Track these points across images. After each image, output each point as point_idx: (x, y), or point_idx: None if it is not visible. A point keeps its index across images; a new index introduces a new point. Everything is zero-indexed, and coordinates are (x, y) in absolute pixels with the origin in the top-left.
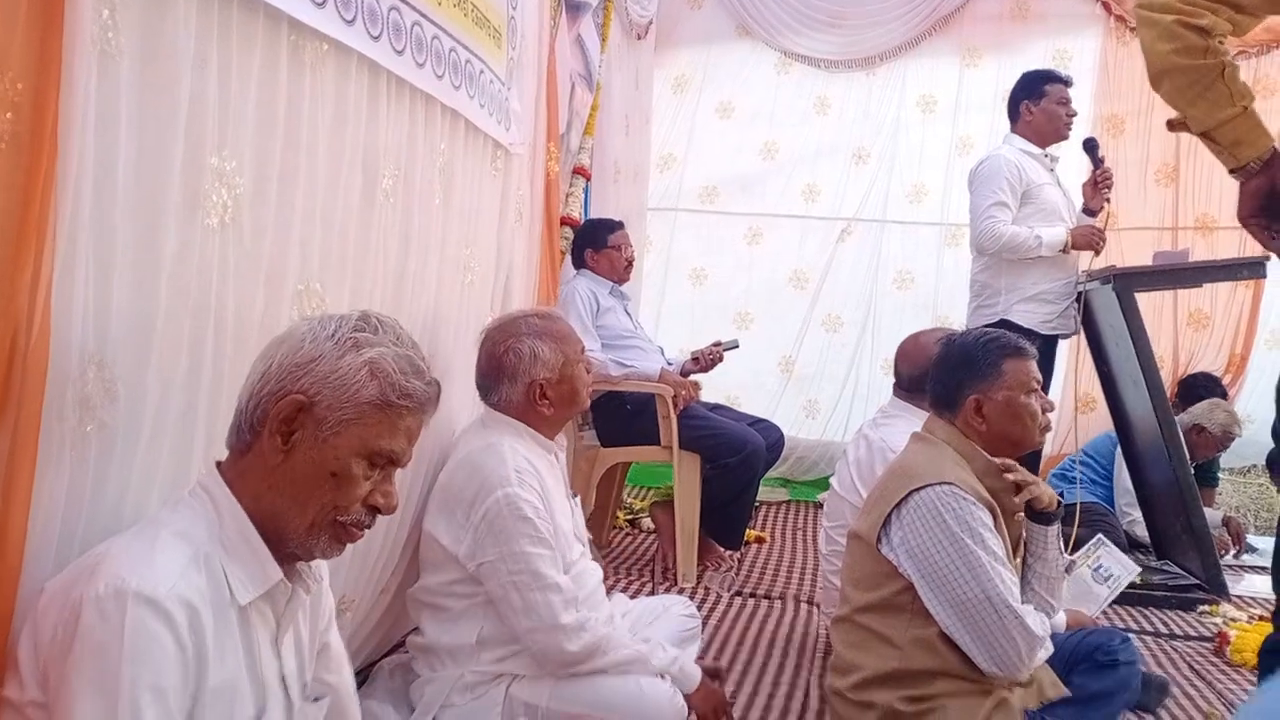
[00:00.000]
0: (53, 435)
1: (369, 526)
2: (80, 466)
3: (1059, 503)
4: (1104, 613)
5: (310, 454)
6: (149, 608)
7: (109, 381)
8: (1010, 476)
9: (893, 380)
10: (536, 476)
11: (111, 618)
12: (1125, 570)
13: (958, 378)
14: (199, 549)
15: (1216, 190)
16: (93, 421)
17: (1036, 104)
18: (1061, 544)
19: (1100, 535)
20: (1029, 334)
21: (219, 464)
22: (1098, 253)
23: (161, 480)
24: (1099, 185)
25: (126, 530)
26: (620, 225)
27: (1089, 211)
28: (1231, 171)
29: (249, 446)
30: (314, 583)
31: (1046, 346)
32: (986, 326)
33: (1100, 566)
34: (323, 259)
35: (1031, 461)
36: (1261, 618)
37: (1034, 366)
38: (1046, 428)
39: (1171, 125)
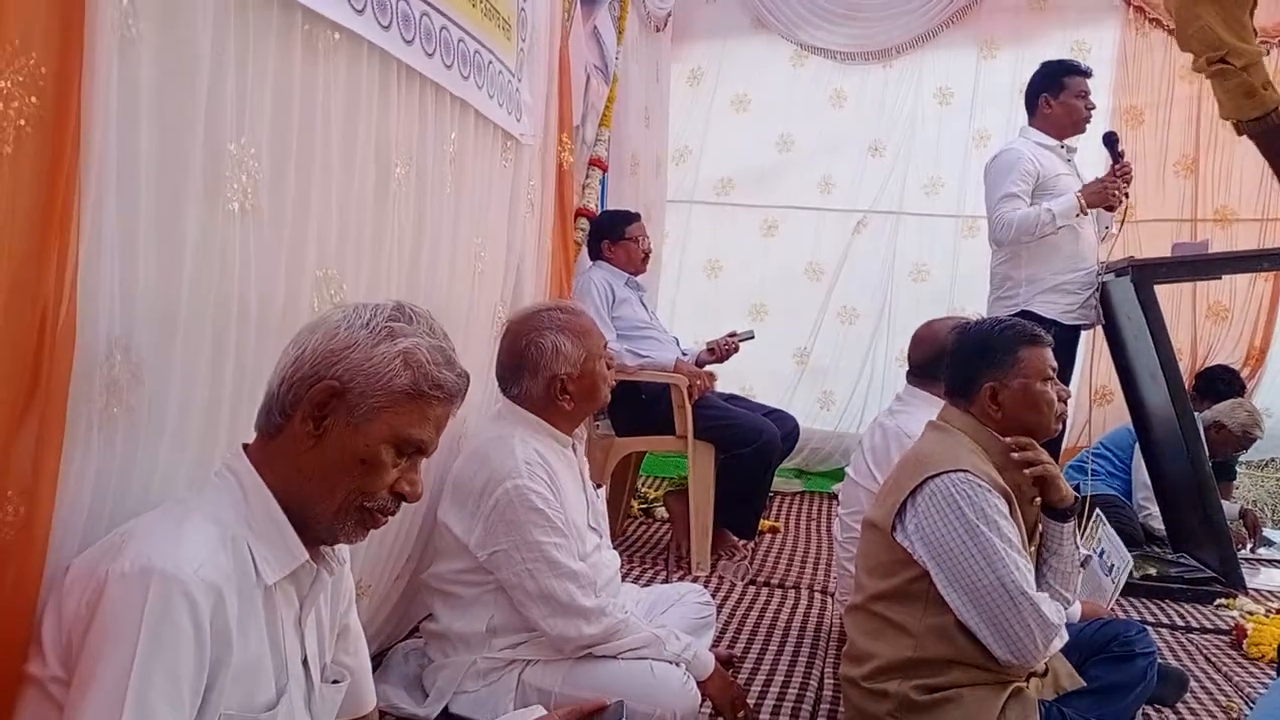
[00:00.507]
0: (80, 417)
1: (394, 513)
2: (107, 448)
3: (1076, 499)
4: (1120, 605)
5: (341, 440)
6: (172, 587)
7: (135, 365)
8: (1016, 456)
9: (906, 369)
10: (546, 468)
11: (134, 594)
12: (1121, 559)
13: (974, 366)
14: (226, 530)
15: (1236, 182)
16: (119, 404)
17: (1055, 98)
18: (1078, 539)
19: (1099, 512)
20: (1051, 324)
21: (245, 446)
22: (1114, 206)
23: (188, 461)
24: (1119, 178)
25: (154, 509)
26: (638, 217)
27: (1107, 207)
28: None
29: (279, 430)
30: (337, 565)
31: (1069, 336)
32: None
33: (1104, 552)
34: (340, 246)
35: (1050, 453)
36: (1279, 611)
37: (1049, 354)
38: (1062, 416)
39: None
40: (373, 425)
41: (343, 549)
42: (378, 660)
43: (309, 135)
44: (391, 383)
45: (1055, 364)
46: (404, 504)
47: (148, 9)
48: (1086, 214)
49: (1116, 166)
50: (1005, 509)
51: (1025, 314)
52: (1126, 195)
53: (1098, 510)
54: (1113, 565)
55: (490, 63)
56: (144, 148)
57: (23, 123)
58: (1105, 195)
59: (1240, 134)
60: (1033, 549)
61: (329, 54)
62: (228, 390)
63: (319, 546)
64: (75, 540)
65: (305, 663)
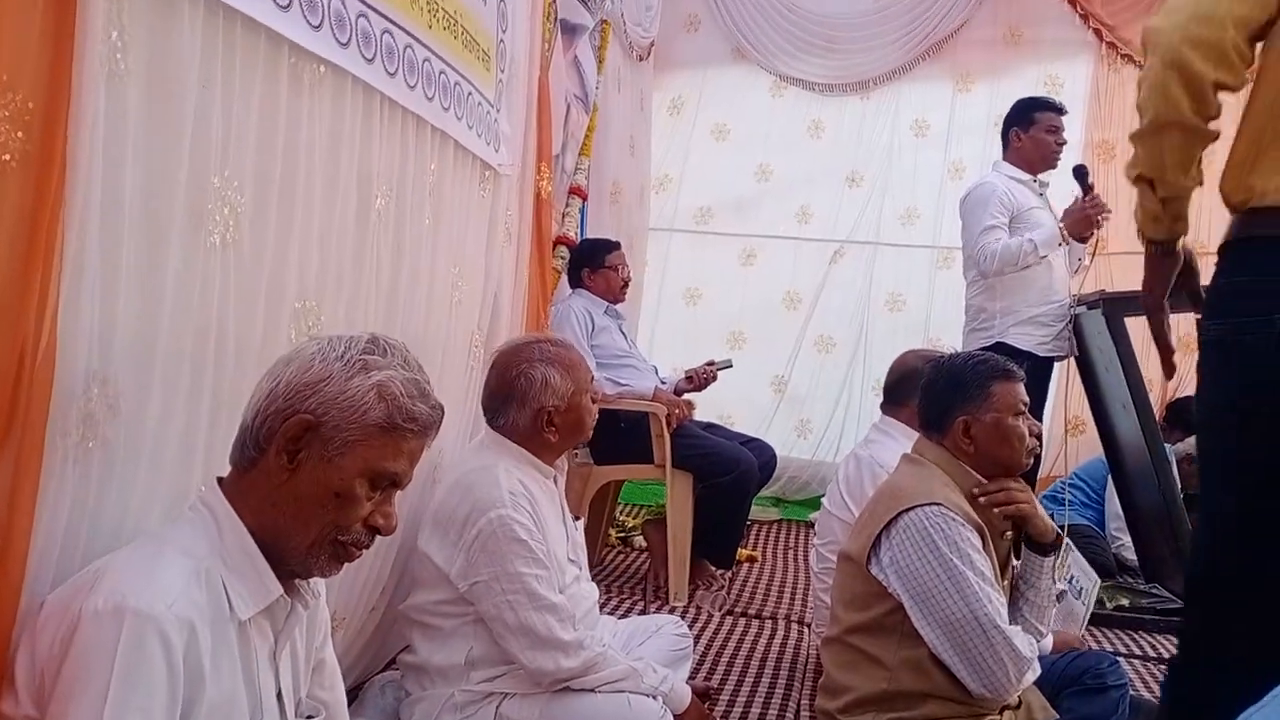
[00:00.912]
0: (56, 451)
1: (368, 546)
2: (83, 482)
3: (1057, 534)
4: (1092, 635)
5: (315, 473)
6: (145, 625)
7: (112, 398)
8: (983, 500)
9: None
10: (530, 499)
11: (107, 632)
12: (1088, 579)
13: (946, 399)
14: (200, 564)
15: (1206, 218)
16: (95, 438)
17: (1026, 131)
18: (1055, 574)
19: (1066, 540)
20: (1026, 356)
21: (220, 480)
22: (1098, 226)
23: (163, 495)
24: (1090, 213)
25: (128, 545)
26: (618, 246)
27: (1080, 239)
28: (1153, 242)
29: (253, 464)
30: (311, 598)
31: (1043, 368)
32: (982, 349)
33: (1073, 578)
34: (319, 277)
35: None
36: None
37: (1022, 389)
38: (1033, 451)
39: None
40: (346, 459)
41: (317, 582)
42: (354, 693)
43: (292, 168)
44: (365, 416)
45: (1027, 399)
46: (378, 536)
47: (136, 44)
48: (1068, 243)
49: (1086, 199)
50: (978, 542)
51: (1000, 345)
52: (1099, 226)
53: (1066, 541)
54: (1082, 588)
55: (470, 94)
56: (129, 181)
57: (7, 157)
58: (1086, 222)
59: (1139, 239)
60: (1005, 582)
61: (314, 87)
62: (204, 423)
63: (293, 580)
64: (49, 576)
65: (280, 697)
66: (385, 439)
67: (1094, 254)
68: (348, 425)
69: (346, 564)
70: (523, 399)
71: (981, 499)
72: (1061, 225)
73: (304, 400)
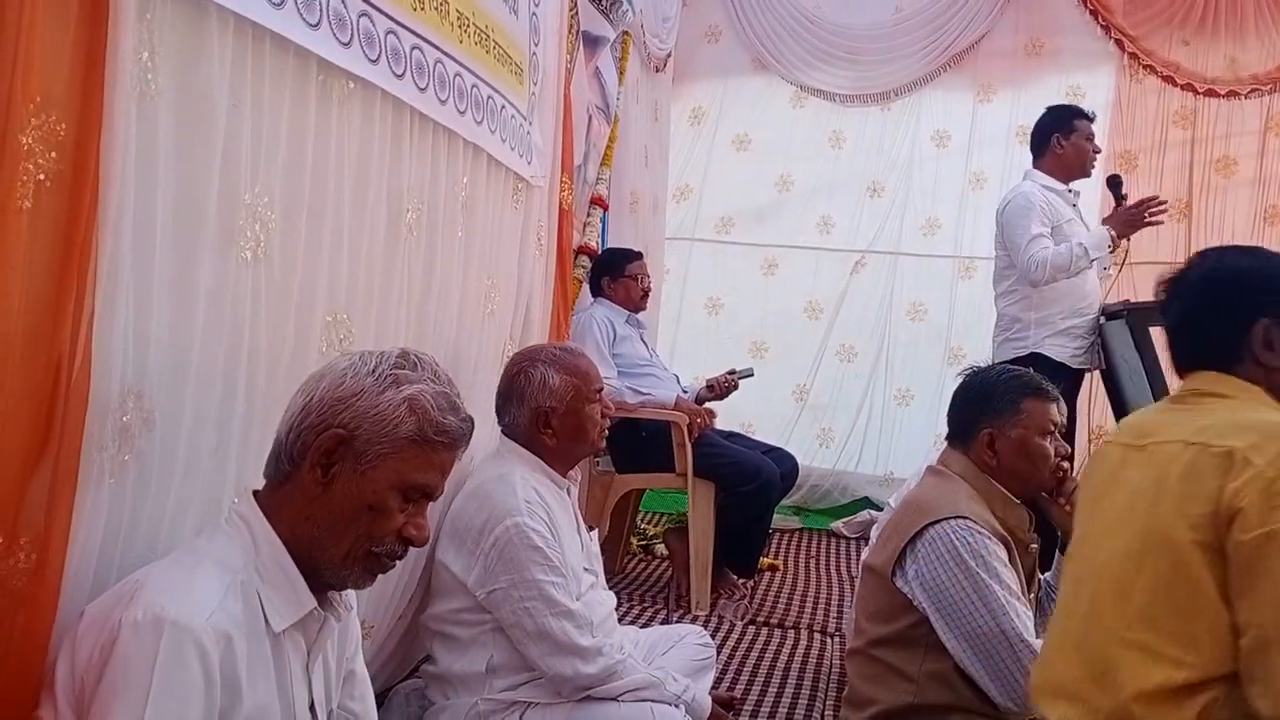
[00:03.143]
0: (92, 464)
1: (401, 558)
2: (119, 495)
3: None
4: None
5: (348, 486)
6: (184, 637)
7: (147, 412)
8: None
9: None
10: (545, 508)
11: (146, 644)
12: None
13: (974, 410)
14: (236, 576)
15: (1229, 227)
16: (131, 451)
17: (1067, 138)
18: None
19: None
20: (1060, 368)
21: (255, 493)
22: (1146, 225)
23: (196, 507)
24: (1138, 214)
25: (165, 556)
26: (639, 256)
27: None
28: None
29: (287, 477)
30: (344, 611)
31: (1074, 381)
32: (1015, 360)
33: None
34: (350, 291)
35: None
36: None
37: (1054, 410)
38: (1058, 471)
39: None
40: (379, 472)
41: (350, 595)
42: (380, 700)
43: (321, 183)
44: (397, 429)
45: (1059, 420)
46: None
47: (166, 63)
48: (1118, 246)
49: (1124, 209)
50: (1005, 556)
51: (1035, 357)
52: (1127, 239)
53: None
54: None
55: (503, 107)
56: (160, 199)
57: (42, 177)
58: (1134, 223)
59: None
60: (1031, 595)
61: (343, 102)
62: (236, 435)
63: (326, 592)
64: (86, 587)
65: (312, 708)
66: (417, 451)
67: (1121, 264)
68: (380, 439)
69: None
70: (521, 397)
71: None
72: (1109, 227)
73: (337, 415)
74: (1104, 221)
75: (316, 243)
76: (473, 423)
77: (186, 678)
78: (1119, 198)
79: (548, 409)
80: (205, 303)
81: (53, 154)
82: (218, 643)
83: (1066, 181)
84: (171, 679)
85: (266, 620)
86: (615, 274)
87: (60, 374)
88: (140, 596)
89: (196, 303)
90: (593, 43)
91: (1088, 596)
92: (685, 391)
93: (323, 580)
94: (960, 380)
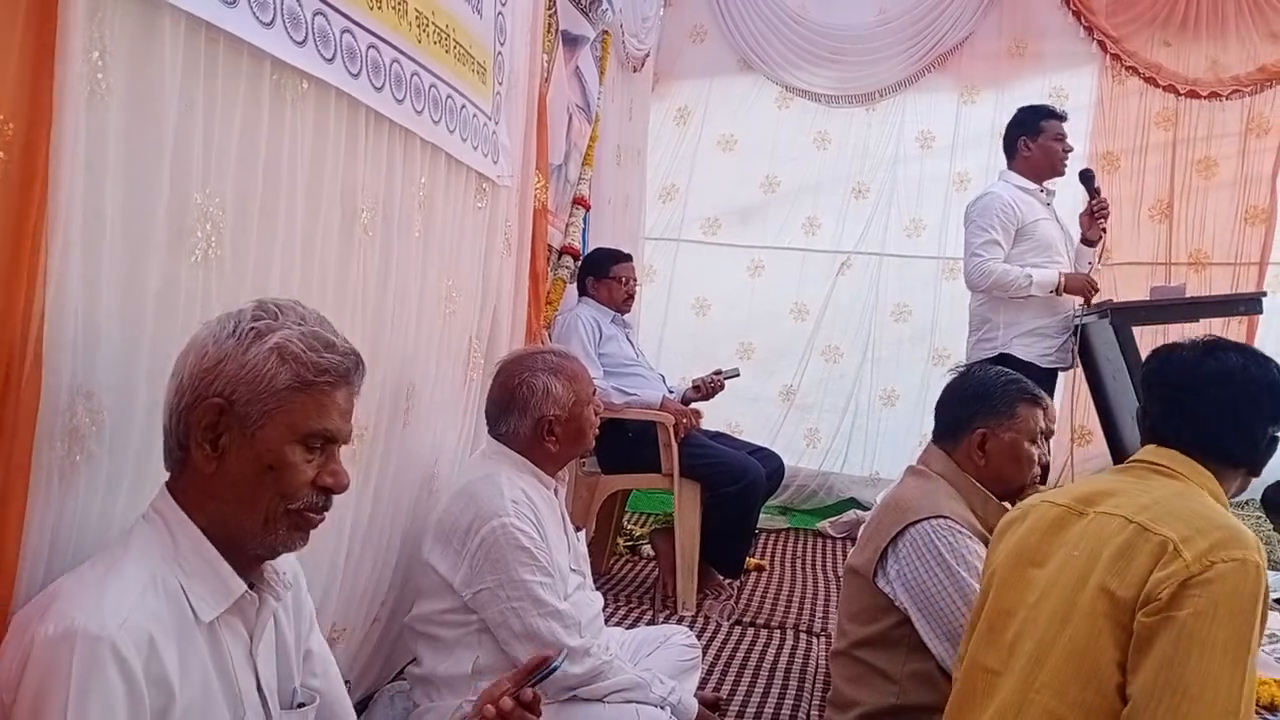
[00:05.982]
0: (43, 466)
1: (326, 509)
2: (69, 497)
3: None
4: None
5: (242, 453)
6: (98, 646)
7: (96, 412)
8: None
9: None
10: (532, 508)
11: (60, 660)
12: None
13: (969, 408)
14: (155, 573)
15: (1210, 228)
16: (81, 452)
17: (1034, 140)
18: None
19: None
20: (1029, 367)
21: (167, 485)
22: (1089, 302)
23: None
24: (1095, 215)
25: (84, 562)
26: (628, 257)
27: (1087, 242)
28: None
29: (183, 463)
30: (283, 589)
31: (1046, 380)
32: (987, 360)
33: None
34: (303, 292)
35: None
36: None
37: (1043, 418)
38: (1036, 479)
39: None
40: (268, 430)
41: (295, 570)
42: (363, 705)
43: (274, 183)
44: (273, 382)
45: (1046, 427)
46: (367, 543)
47: (117, 62)
48: (1061, 295)
49: (1094, 202)
50: (984, 554)
51: (1004, 356)
52: (1104, 232)
53: None
54: None
55: (464, 106)
56: (110, 199)
57: None
58: (1084, 291)
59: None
60: None
61: (297, 102)
62: None
63: (261, 569)
64: (35, 592)
65: (261, 692)
66: (303, 399)
67: (1099, 260)
68: (259, 397)
69: (339, 572)
70: (524, 407)
71: None
72: (1062, 276)
73: (209, 385)
74: (1061, 275)
75: (269, 243)
76: (357, 353)
77: (106, 688)
78: (1092, 191)
79: (552, 418)
80: (155, 303)
81: (0, 154)
82: (138, 646)
83: (1039, 181)
84: (89, 691)
85: (194, 612)
86: (600, 274)
87: (10, 374)
88: (52, 608)
89: (146, 304)
90: (572, 42)
91: (1009, 643)
92: (671, 392)
93: (252, 553)
94: (952, 378)
